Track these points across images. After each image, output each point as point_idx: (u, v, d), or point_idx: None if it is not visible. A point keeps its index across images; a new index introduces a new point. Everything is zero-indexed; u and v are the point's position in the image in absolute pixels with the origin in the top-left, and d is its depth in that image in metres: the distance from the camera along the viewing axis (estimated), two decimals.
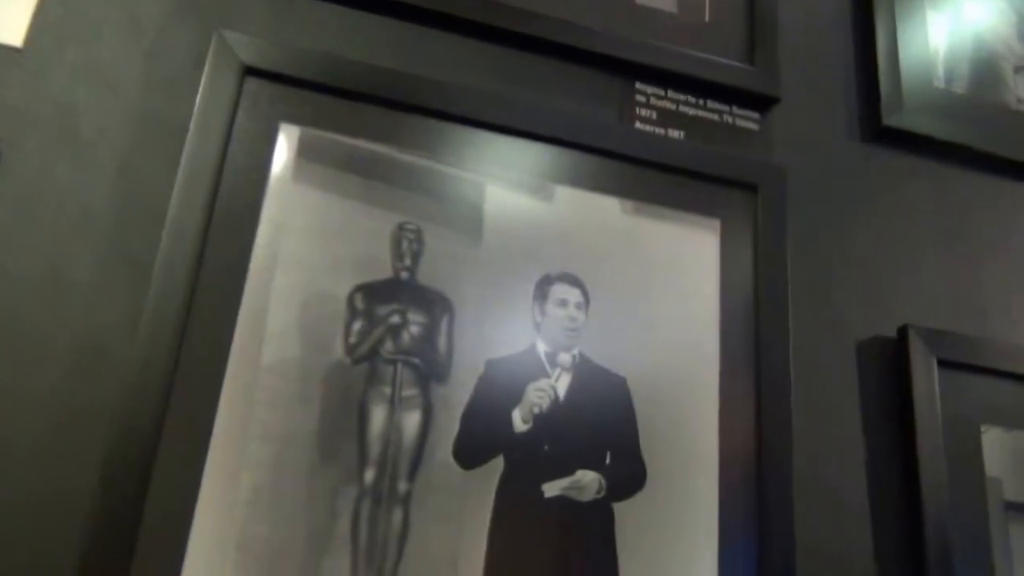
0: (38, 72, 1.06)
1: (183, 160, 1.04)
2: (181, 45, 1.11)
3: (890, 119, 1.36)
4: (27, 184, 1.02)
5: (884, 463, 1.20)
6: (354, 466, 1.01)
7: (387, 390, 1.04)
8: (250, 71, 1.11)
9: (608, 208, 1.19)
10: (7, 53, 1.05)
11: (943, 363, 1.24)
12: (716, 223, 1.23)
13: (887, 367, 1.25)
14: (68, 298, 0.99)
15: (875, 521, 1.17)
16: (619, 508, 1.08)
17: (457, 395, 1.06)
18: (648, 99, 1.27)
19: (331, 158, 1.11)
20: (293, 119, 1.11)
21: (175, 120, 1.07)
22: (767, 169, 1.26)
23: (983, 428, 1.24)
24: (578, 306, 1.13)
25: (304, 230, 1.07)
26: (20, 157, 1.03)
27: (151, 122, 1.07)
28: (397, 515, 1.01)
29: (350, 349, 1.04)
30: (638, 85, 1.27)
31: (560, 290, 1.13)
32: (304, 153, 1.10)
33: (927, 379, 1.23)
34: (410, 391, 1.05)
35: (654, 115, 1.26)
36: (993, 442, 1.24)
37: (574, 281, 1.14)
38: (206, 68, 1.09)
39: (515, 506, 1.05)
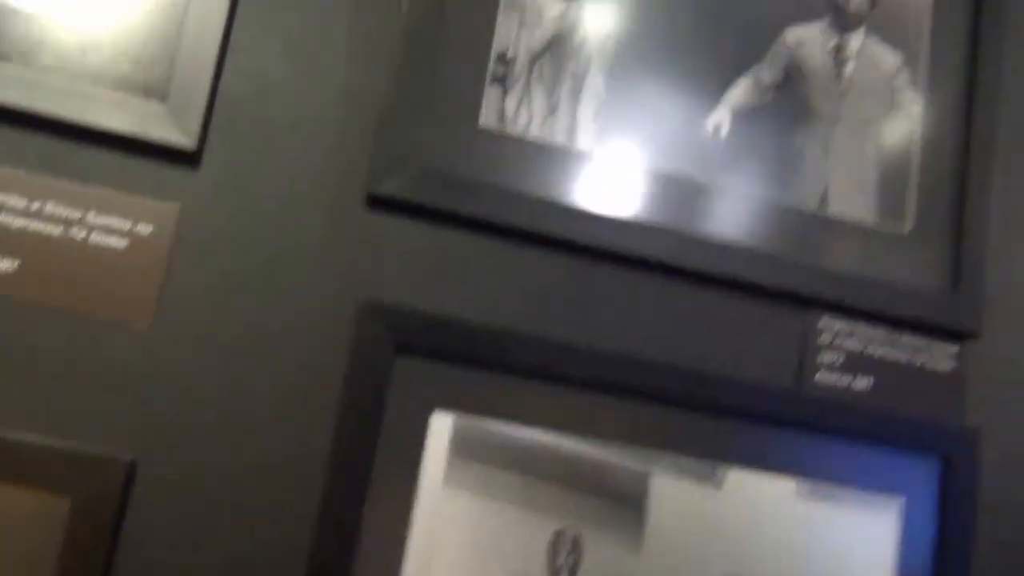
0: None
1: (329, 462, 1.04)
2: (322, 313, 1.09)
3: None
4: None
5: None
6: None
7: None
8: (402, 348, 1.08)
9: (782, 492, 1.18)
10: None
11: None
12: (899, 501, 1.21)
13: None
14: None
15: None
16: None
17: None
18: (833, 339, 1.23)
19: (486, 453, 1.09)
20: (448, 405, 1.09)
21: (314, 402, 1.07)
22: (959, 435, 1.24)
23: None
24: None
25: (456, 546, 1.07)
26: None
27: (290, 403, 1.06)
28: None
29: None
30: (823, 322, 1.23)
31: None
32: (457, 447, 1.09)
33: None
34: None
35: (840, 360, 1.23)
36: None
37: None
38: (349, 345, 1.07)
39: None
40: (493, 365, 1.10)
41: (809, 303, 1.22)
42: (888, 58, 1.30)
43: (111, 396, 1.01)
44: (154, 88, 1.04)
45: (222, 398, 1.03)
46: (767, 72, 1.25)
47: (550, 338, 1.12)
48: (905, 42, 1.31)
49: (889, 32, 1.31)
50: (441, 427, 1.08)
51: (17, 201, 1.00)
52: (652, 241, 1.16)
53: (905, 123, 1.30)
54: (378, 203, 1.10)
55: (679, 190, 1.19)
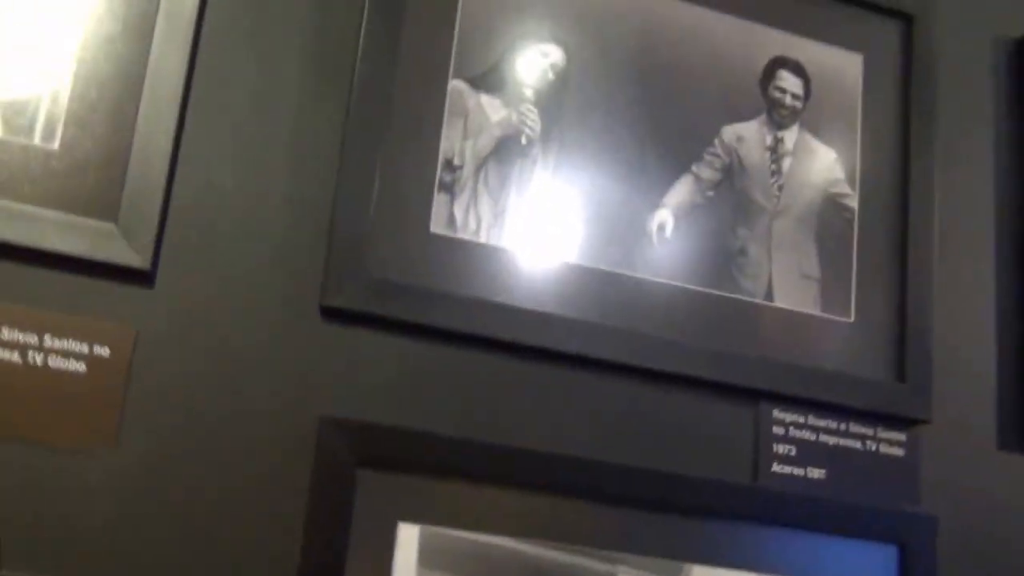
0: None
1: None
2: (283, 429, 1.10)
3: None
4: None
5: None
6: None
7: None
8: (364, 462, 1.10)
9: None
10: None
11: None
12: None
13: None
14: None
15: None
16: None
17: None
18: (787, 431, 1.27)
19: (454, 562, 1.11)
20: (412, 516, 1.11)
21: (280, 520, 1.07)
22: (915, 523, 1.28)
23: None
24: None
25: None
26: None
27: (255, 521, 1.07)
28: None
29: None
30: (775, 414, 1.27)
31: None
32: (425, 558, 1.10)
33: None
34: None
35: (793, 451, 1.27)
36: None
37: None
38: (312, 461, 1.08)
39: None
40: (455, 474, 1.12)
41: (760, 396, 1.26)
42: (823, 152, 1.36)
43: (76, 524, 1.00)
44: (105, 208, 1.05)
45: (187, 518, 1.04)
46: (707, 170, 1.30)
47: (510, 444, 1.15)
48: (838, 137, 1.38)
49: (822, 127, 1.37)
50: (408, 539, 1.09)
51: None
52: (606, 342, 1.19)
53: (843, 214, 1.35)
54: (332, 315, 1.12)
55: (629, 290, 1.23)
